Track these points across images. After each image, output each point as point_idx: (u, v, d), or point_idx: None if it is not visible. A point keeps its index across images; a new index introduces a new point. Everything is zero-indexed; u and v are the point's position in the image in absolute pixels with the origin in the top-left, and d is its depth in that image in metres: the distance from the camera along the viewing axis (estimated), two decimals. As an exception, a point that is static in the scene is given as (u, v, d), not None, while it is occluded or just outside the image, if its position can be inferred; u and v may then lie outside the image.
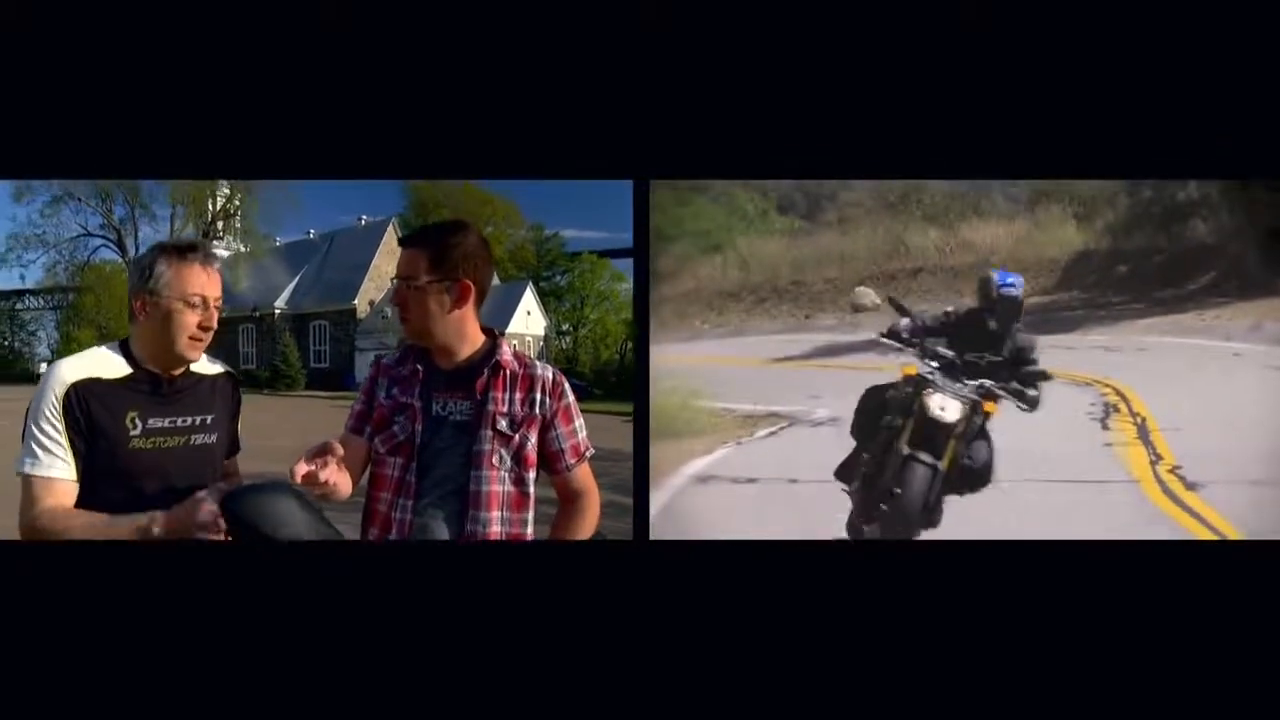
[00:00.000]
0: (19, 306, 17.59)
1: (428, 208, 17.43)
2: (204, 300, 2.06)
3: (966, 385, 3.05)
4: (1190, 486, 4.10)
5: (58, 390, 1.98)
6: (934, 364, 3.10)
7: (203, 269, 2.06)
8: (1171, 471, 4.28)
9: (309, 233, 19.84)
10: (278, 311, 18.96)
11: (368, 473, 2.09)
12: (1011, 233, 8.01)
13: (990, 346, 3.14)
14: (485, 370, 2.08)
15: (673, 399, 4.52)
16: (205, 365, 2.17)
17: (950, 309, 3.28)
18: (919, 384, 3.07)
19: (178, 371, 2.10)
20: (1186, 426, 4.74)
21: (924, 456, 3.02)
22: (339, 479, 1.88)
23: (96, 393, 2.01)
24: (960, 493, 3.12)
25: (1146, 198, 7.73)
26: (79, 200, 16.25)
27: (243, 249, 17.93)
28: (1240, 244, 7.01)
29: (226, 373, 2.22)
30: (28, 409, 2.01)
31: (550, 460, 2.13)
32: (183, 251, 2.07)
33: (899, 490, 3.02)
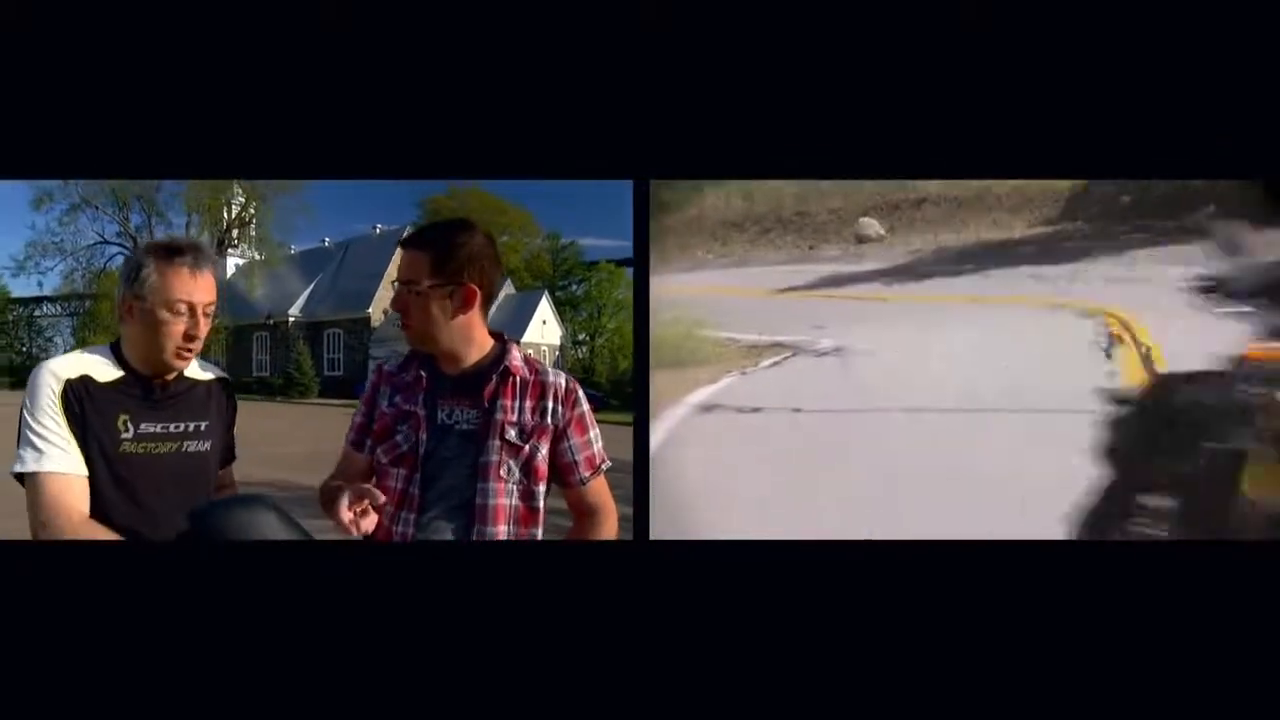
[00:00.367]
0: (37, 313, 17.67)
1: (442, 216, 17.41)
2: (190, 307, 1.93)
3: None
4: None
5: (54, 385, 1.89)
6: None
7: (191, 273, 1.93)
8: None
9: (324, 241, 19.89)
10: (292, 319, 18.99)
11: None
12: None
13: None
14: (494, 376, 1.96)
15: (676, 329, 4.44)
16: (199, 371, 2.07)
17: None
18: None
19: (169, 377, 2.00)
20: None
21: None
22: (370, 525, 1.81)
23: (89, 392, 1.91)
24: None
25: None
26: (96, 208, 16.32)
27: (258, 257, 17.99)
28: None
29: (221, 379, 2.12)
30: (20, 412, 1.89)
31: (563, 473, 2.00)
32: (170, 254, 1.94)
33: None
